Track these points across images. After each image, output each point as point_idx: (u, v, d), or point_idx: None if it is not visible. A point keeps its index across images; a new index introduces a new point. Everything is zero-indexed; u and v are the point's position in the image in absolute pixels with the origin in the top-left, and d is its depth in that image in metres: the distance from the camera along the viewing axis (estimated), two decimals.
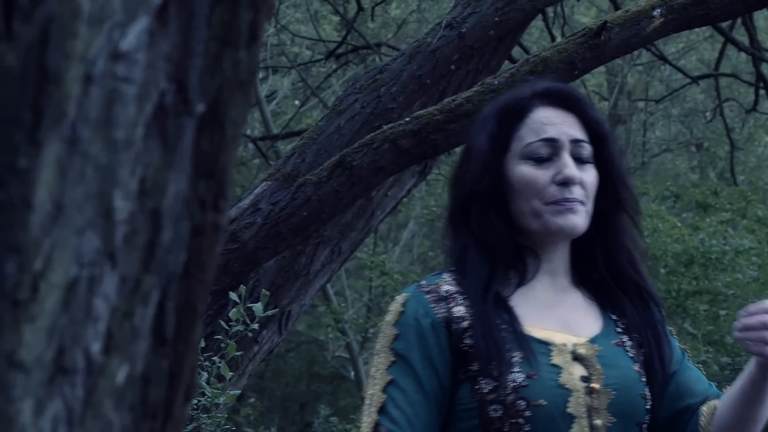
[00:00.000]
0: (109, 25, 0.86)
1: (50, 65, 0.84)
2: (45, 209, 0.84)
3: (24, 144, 0.83)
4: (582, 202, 2.23)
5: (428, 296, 2.21)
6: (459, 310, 2.19)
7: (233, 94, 0.94)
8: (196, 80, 0.91)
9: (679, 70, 9.65)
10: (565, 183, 2.22)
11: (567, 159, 2.24)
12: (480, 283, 2.20)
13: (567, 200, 2.21)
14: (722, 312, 9.95)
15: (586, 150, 2.27)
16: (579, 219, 2.22)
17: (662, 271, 10.52)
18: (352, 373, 12.51)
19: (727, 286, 10.04)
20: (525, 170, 2.24)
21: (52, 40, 0.84)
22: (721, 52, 8.69)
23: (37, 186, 0.84)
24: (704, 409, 2.28)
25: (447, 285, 2.23)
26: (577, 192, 2.23)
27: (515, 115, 2.28)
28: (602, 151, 2.30)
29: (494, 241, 2.24)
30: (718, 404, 2.27)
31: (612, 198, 2.30)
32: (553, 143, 2.25)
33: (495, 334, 2.15)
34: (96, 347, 0.88)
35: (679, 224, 10.87)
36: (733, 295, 10.06)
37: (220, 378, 3.79)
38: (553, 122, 2.27)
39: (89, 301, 0.87)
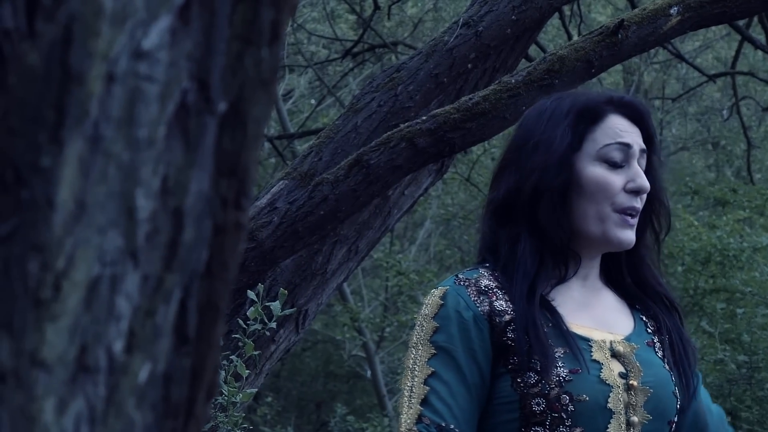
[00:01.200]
0: (131, 23, 0.86)
1: (73, 64, 0.84)
2: (68, 208, 0.84)
3: (47, 143, 0.84)
4: (638, 213, 2.26)
5: (468, 290, 2.21)
6: (500, 304, 2.20)
7: (255, 92, 0.94)
8: (218, 79, 0.91)
9: (696, 68, 9.63)
10: (637, 192, 2.25)
11: (639, 168, 2.26)
12: (528, 278, 2.21)
13: (634, 209, 2.25)
14: (739, 310, 9.93)
15: (645, 162, 2.30)
16: (633, 234, 2.25)
17: (679, 269, 10.50)
18: (369, 373, 12.51)
19: (745, 284, 10.01)
20: (599, 172, 2.25)
21: (75, 39, 0.84)
22: (738, 50, 8.66)
23: (59, 185, 0.84)
24: None
25: (485, 279, 2.24)
26: (641, 202, 2.25)
27: (591, 117, 2.30)
28: (650, 166, 2.32)
29: (557, 237, 2.24)
30: None
31: (647, 212, 2.32)
32: (627, 149, 2.27)
33: (539, 330, 2.16)
34: (118, 346, 0.88)
35: (695, 222, 10.85)
36: (750, 293, 10.04)
37: (237, 377, 3.80)
38: (627, 130, 2.29)
39: (111, 300, 0.88)
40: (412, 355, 2.21)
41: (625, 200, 2.24)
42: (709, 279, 10.38)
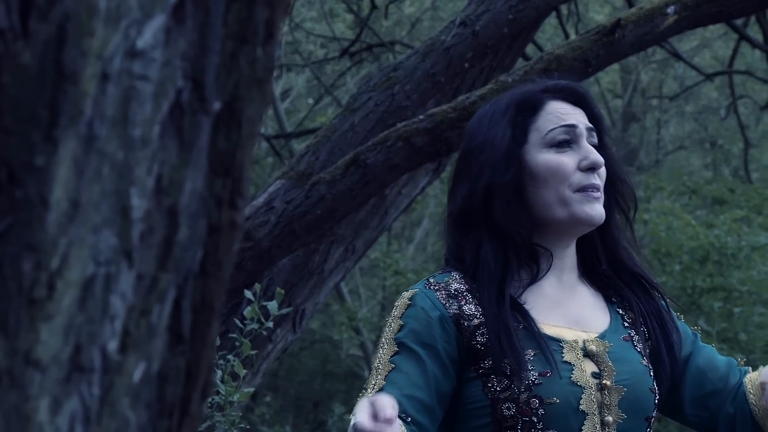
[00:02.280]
0: (125, 23, 0.86)
1: (67, 63, 0.84)
2: (62, 207, 0.84)
3: (41, 142, 0.83)
4: (600, 190, 2.24)
5: (438, 293, 2.21)
6: (469, 308, 2.19)
7: (250, 91, 0.94)
8: (213, 78, 0.91)
9: (693, 67, 9.63)
10: (592, 168, 2.24)
11: (589, 146, 2.25)
12: (494, 281, 2.20)
13: (594, 186, 2.23)
14: (736, 309, 9.93)
15: (595, 140, 2.29)
16: (601, 208, 2.23)
17: (677, 267, 10.50)
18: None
19: (742, 283, 10.02)
20: (549, 157, 2.24)
21: (69, 38, 0.84)
22: (735, 49, 8.67)
23: (53, 184, 0.84)
24: (748, 385, 2.29)
25: (456, 283, 2.23)
26: (599, 179, 2.24)
27: (530, 107, 2.29)
28: (602, 146, 2.32)
29: (517, 233, 2.23)
30: (762, 379, 2.27)
31: (610, 192, 2.31)
32: (573, 129, 2.26)
33: (512, 334, 2.14)
34: (113, 345, 0.88)
35: (693, 221, 10.85)
36: (747, 292, 10.04)
37: (235, 376, 3.79)
38: (568, 112, 2.29)
39: (106, 299, 0.88)
40: (378, 354, 2.21)
41: (582, 179, 2.22)
42: (706, 278, 10.39)
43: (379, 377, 2.17)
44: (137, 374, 0.90)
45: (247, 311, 3.70)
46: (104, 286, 0.87)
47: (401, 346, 2.18)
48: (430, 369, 2.15)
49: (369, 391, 2.15)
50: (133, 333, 0.89)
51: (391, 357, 2.17)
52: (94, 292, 0.87)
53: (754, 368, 2.34)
